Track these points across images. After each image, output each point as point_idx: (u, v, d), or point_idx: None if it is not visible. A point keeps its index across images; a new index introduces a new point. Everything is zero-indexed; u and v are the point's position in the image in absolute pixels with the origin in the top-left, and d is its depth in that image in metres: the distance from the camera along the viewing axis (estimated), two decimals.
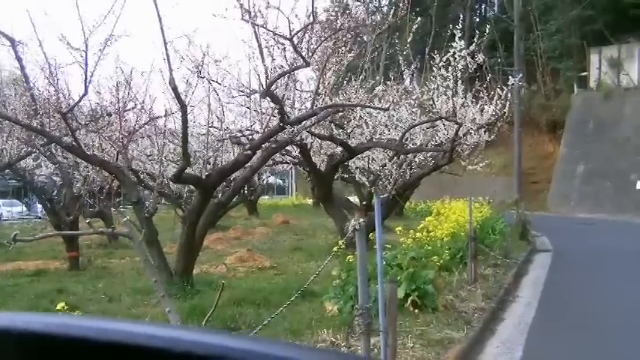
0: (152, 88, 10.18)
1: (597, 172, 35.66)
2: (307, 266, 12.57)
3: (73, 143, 9.25)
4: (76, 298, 9.26)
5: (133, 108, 10.29)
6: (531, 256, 15.34)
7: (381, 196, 14.56)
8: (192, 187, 11.82)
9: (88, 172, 13.77)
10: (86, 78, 8.58)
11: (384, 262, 7.95)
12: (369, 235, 6.98)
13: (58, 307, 5.66)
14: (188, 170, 9.69)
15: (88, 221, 12.00)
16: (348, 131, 13.95)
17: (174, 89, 8.32)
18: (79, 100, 9.36)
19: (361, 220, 5.14)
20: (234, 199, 20.58)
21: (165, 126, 10.88)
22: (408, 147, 15.32)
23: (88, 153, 9.76)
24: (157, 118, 10.68)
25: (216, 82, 10.16)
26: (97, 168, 11.83)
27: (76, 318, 1.16)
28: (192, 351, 0.91)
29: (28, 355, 1.01)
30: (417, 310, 7.67)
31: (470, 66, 13.71)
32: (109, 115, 10.15)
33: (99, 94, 10.39)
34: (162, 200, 15.22)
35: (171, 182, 11.30)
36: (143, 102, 10.20)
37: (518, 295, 10.24)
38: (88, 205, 15.93)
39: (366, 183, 17.31)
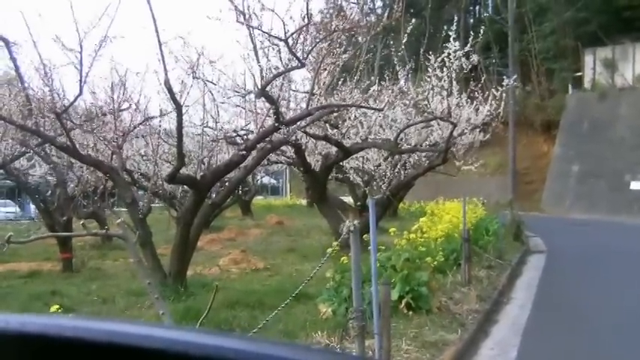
0: (147, 88, 10.15)
1: (592, 172, 35.71)
2: (301, 268, 12.51)
3: (68, 143, 9.23)
4: (70, 300, 9.23)
5: (127, 108, 10.25)
6: (525, 257, 15.36)
7: (376, 197, 14.62)
8: (186, 187, 11.79)
9: (82, 172, 13.71)
10: (81, 78, 8.58)
11: (378, 264, 7.95)
12: (363, 236, 6.96)
13: (52, 309, 5.67)
14: (183, 170, 9.67)
15: (82, 222, 11.96)
16: (343, 131, 13.93)
17: (170, 89, 8.31)
18: (74, 101, 9.34)
19: (356, 221, 5.13)
20: (228, 200, 20.58)
21: (160, 126, 10.83)
22: (403, 147, 15.33)
23: (83, 153, 9.74)
24: (152, 118, 10.64)
25: (212, 82, 10.14)
26: (91, 168, 11.81)
27: (72, 319, 1.15)
28: (189, 352, 0.91)
29: (23, 356, 1.01)
30: (411, 312, 7.65)
31: (464, 66, 13.73)
32: (104, 115, 10.12)
33: (94, 94, 10.35)
34: (156, 201, 15.17)
35: (165, 182, 11.26)
36: (138, 102, 10.17)
37: (512, 297, 10.26)
38: (82, 205, 15.87)
39: (361, 183, 17.31)
